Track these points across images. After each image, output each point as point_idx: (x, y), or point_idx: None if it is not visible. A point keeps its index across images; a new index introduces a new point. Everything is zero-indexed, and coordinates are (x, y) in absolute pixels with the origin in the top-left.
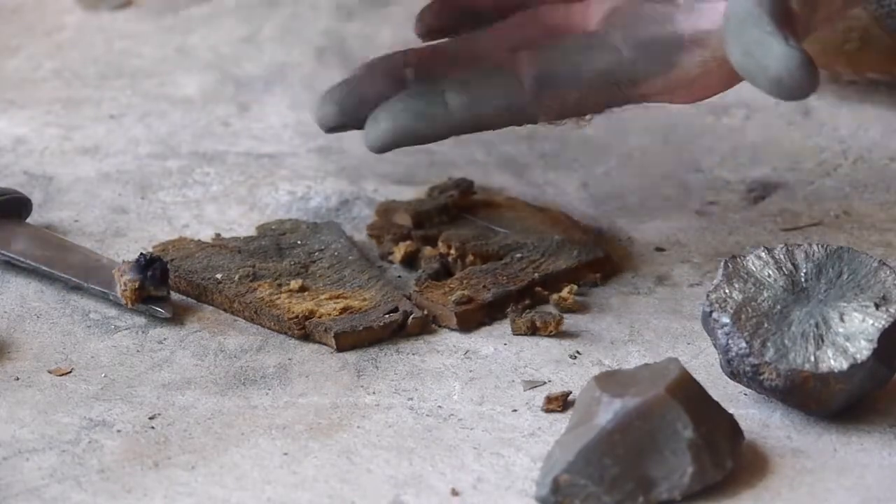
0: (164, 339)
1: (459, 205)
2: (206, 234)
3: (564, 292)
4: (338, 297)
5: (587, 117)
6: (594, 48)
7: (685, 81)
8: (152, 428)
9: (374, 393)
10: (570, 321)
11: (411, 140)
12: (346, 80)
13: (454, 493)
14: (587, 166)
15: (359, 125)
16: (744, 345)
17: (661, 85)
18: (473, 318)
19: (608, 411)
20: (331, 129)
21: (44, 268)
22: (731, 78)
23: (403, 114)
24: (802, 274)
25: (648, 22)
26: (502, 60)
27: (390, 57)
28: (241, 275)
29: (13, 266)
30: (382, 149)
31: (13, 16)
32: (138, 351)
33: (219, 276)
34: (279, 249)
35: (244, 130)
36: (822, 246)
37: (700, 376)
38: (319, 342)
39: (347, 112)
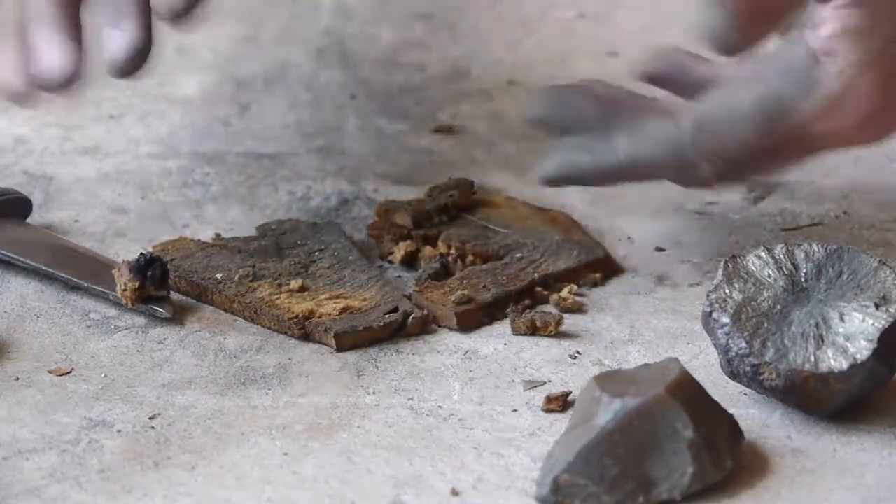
0: (164, 339)
1: (459, 205)
2: (206, 234)
3: (564, 292)
4: (338, 297)
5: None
6: (743, 86)
7: (834, 101)
8: (152, 428)
9: (374, 393)
10: (570, 321)
11: (579, 180)
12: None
13: (454, 493)
14: None
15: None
16: (744, 345)
17: (813, 112)
18: (473, 318)
19: (608, 411)
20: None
21: (44, 268)
22: (878, 93)
23: (577, 153)
24: (802, 274)
25: (786, 48)
26: (664, 111)
27: (584, 88)
28: (241, 275)
29: (13, 266)
30: (552, 183)
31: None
32: (138, 351)
33: (219, 276)
34: (279, 249)
35: (244, 130)
36: (822, 246)
37: (700, 376)
38: (319, 342)
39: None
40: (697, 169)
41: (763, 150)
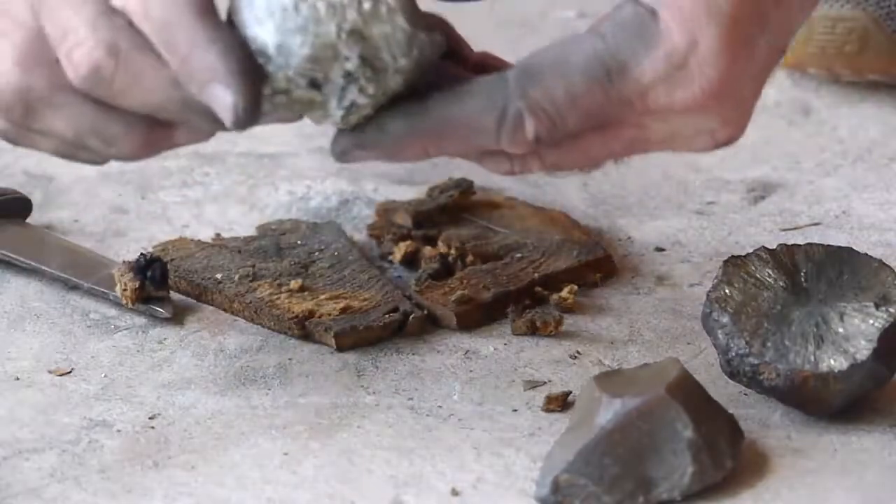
0: (164, 339)
1: (459, 205)
2: (206, 234)
3: (564, 292)
4: (338, 297)
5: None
6: (577, 39)
7: (674, 60)
8: (152, 428)
9: (374, 393)
10: (570, 321)
11: (381, 148)
12: None
13: (454, 492)
14: None
15: None
16: (744, 345)
17: (652, 71)
18: (473, 318)
19: (608, 411)
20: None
21: (44, 268)
22: (727, 54)
23: (384, 117)
24: (802, 274)
25: (622, 6)
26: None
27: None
28: (241, 275)
29: (13, 266)
30: (347, 155)
31: None
32: (138, 351)
33: (219, 276)
34: (279, 249)
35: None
36: (822, 246)
37: (700, 376)
38: (319, 342)
39: None
40: (520, 127)
41: (594, 113)
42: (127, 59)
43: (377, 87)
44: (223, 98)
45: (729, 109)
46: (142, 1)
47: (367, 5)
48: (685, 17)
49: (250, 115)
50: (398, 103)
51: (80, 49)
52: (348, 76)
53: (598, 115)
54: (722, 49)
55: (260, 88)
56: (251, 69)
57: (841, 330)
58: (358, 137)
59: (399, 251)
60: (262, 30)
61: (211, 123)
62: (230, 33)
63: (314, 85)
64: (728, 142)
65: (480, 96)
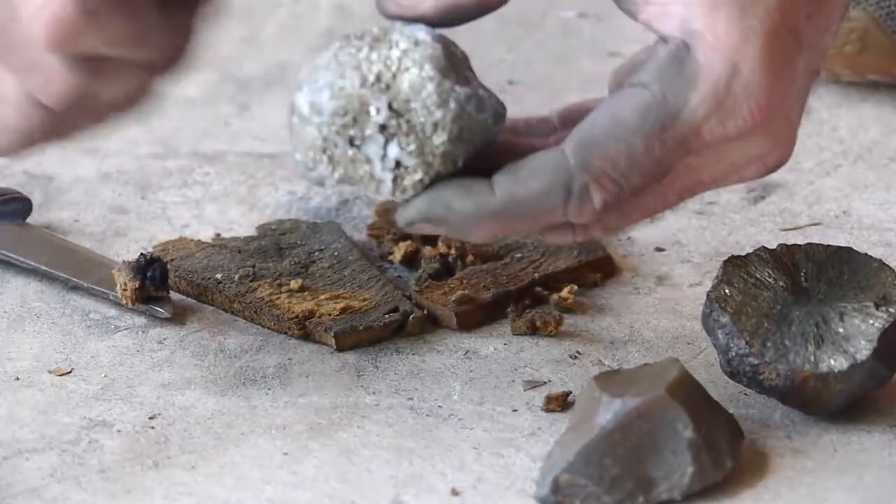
0: (164, 339)
1: None
2: (206, 234)
3: (564, 292)
4: (338, 297)
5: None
6: (623, 96)
7: (719, 88)
8: (152, 428)
9: (374, 393)
10: (570, 321)
11: (447, 224)
12: None
13: (454, 492)
14: None
15: None
16: (744, 345)
17: (701, 105)
18: (473, 318)
19: (608, 411)
20: None
21: (44, 268)
22: (769, 74)
23: (451, 192)
24: (802, 274)
25: (655, 46)
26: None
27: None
28: (241, 275)
29: (13, 266)
30: (413, 225)
31: None
32: (138, 351)
33: (219, 276)
34: (279, 249)
35: (244, 130)
36: (822, 246)
37: (700, 376)
38: (319, 342)
39: None
40: (587, 200)
41: (655, 167)
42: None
43: (418, 144)
44: None
45: (778, 130)
46: None
47: (393, 54)
48: (722, 45)
49: None
50: (461, 178)
51: None
52: (383, 129)
53: (660, 165)
54: (764, 68)
55: None
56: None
57: (841, 330)
58: (424, 211)
59: (399, 251)
60: (299, 95)
61: None
62: None
63: (353, 143)
64: (778, 165)
65: (543, 176)
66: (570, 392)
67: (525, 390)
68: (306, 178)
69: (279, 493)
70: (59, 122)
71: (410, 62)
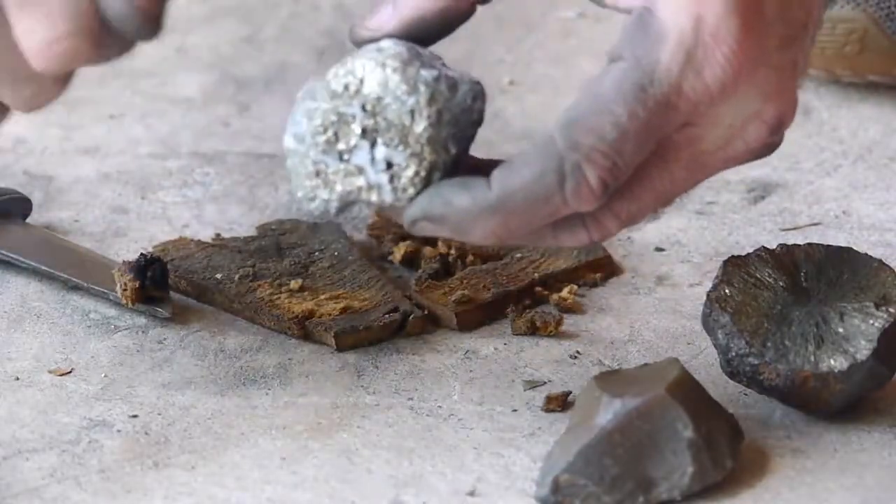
0: (164, 339)
1: None
2: (206, 234)
3: (564, 292)
4: (338, 297)
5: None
6: (601, 74)
7: (690, 46)
8: (152, 428)
9: (374, 393)
10: (570, 321)
11: (450, 223)
12: None
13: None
14: None
15: None
16: (744, 345)
17: (676, 63)
18: (473, 318)
19: (608, 411)
20: None
21: (44, 268)
22: (743, 29)
23: (453, 191)
24: (802, 274)
25: (624, 22)
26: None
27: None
28: (241, 275)
29: (13, 266)
30: (418, 225)
31: None
32: (138, 351)
33: (219, 276)
34: (279, 249)
35: (244, 130)
36: (822, 246)
37: (700, 376)
38: (319, 342)
39: None
40: (582, 179)
41: (645, 133)
42: None
43: (402, 137)
44: None
45: (765, 81)
46: None
47: (357, 63)
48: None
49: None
50: (460, 177)
51: None
52: (365, 134)
53: (649, 133)
54: (729, 14)
55: None
56: None
57: (841, 330)
58: (425, 208)
59: (399, 251)
60: (285, 137)
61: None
62: None
63: (342, 158)
64: (781, 122)
65: (534, 162)
66: (570, 392)
67: (525, 390)
68: (312, 212)
69: (279, 494)
70: None
71: (373, 64)
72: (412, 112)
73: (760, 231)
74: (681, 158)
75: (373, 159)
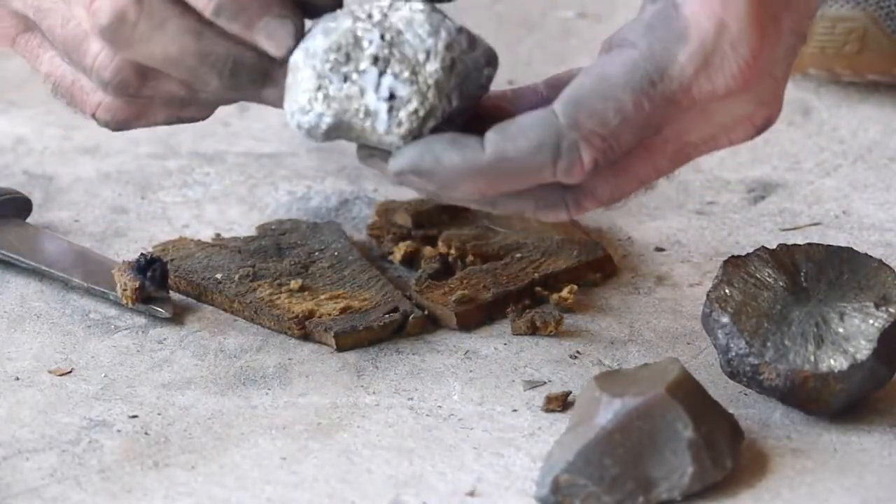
0: (164, 339)
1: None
2: (206, 234)
3: (564, 292)
4: (338, 297)
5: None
6: (611, 56)
7: (708, 46)
8: (152, 428)
9: (374, 393)
10: (570, 321)
11: (435, 178)
12: None
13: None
14: None
15: None
16: (744, 345)
17: (690, 63)
18: (473, 318)
19: (608, 411)
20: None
21: (44, 268)
22: (755, 29)
23: (442, 146)
24: (802, 274)
25: (643, 7)
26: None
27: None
28: (241, 275)
29: (13, 266)
30: (402, 177)
31: None
32: (138, 351)
33: (219, 276)
34: (279, 249)
35: (244, 130)
36: (822, 246)
37: (700, 376)
38: (319, 342)
39: None
40: (577, 158)
41: (645, 124)
42: (151, 6)
43: (411, 72)
44: (279, 29)
45: (763, 89)
46: None
47: (383, 2)
48: (710, 2)
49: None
50: (452, 133)
51: None
52: (376, 61)
53: (649, 124)
54: (751, 25)
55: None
56: (297, 4)
57: (841, 330)
58: (415, 161)
59: (399, 251)
60: (296, 51)
61: (219, 81)
62: None
63: (347, 79)
64: (766, 125)
65: (533, 134)
66: (570, 392)
67: (525, 390)
68: (299, 126)
69: (279, 493)
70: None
71: (402, 2)
72: (428, 52)
73: (760, 231)
74: (667, 150)
75: (378, 86)
